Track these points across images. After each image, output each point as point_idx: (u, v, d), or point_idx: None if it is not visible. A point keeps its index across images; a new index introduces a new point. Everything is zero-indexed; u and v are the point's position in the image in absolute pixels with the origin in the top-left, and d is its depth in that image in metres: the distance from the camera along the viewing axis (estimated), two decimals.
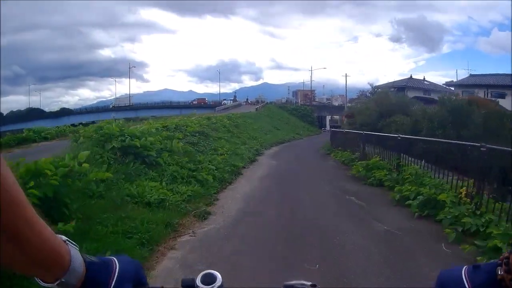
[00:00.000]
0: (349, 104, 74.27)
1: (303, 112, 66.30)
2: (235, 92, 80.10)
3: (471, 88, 41.09)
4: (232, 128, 22.13)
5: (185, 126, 14.62)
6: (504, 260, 0.61)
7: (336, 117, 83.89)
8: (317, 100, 76.67)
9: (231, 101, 74.00)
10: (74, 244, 0.62)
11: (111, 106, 68.25)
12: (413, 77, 53.47)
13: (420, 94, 43.96)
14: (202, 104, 72.27)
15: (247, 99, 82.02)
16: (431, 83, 52.35)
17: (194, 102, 73.77)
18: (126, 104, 68.25)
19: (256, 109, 57.71)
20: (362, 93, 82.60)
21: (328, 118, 72.97)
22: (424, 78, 51.23)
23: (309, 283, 0.73)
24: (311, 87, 72.81)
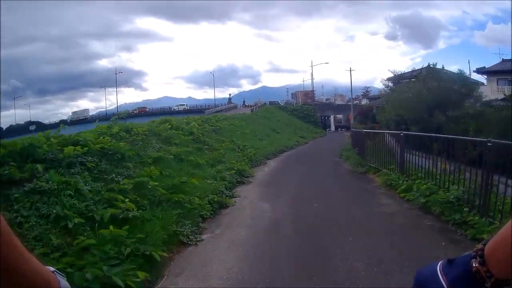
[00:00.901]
0: (356, 102, 66.81)
1: (305, 112, 58.63)
2: (230, 95, 72.02)
3: (507, 75, 33.22)
4: (204, 137, 14.40)
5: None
6: (479, 252, 0.60)
7: (340, 116, 76.67)
8: (317, 100, 68.68)
9: (225, 104, 66.48)
10: (61, 275, 0.59)
11: (68, 121, 68.65)
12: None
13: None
14: (142, 113, 69.36)
15: (244, 102, 74.49)
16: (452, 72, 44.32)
17: (135, 111, 69.01)
18: (86, 117, 70.01)
19: (252, 110, 50.21)
20: (366, 90, 74.94)
21: (332, 117, 65.19)
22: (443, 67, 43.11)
23: None
24: (312, 85, 65.24)
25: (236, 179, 9.71)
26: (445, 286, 0.61)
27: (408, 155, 9.19)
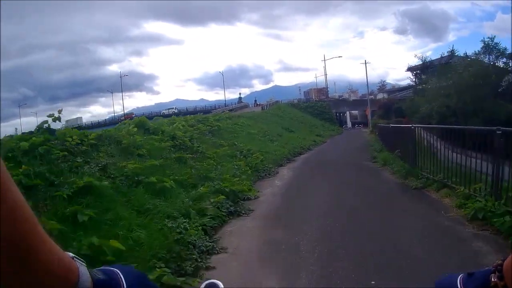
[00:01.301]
0: (371, 96, 62.38)
1: (319, 109, 54.65)
2: (240, 94, 68.31)
3: None
4: (194, 141, 10.88)
5: None
6: (498, 267, 0.61)
7: (355, 112, 72.26)
8: (330, 97, 64.36)
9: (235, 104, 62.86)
10: (81, 261, 0.57)
11: (62, 129, 64.96)
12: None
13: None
14: (129, 119, 65.23)
15: (255, 101, 70.88)
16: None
17: (122, 119, 65.11)
18: (79, 125, 67.01)
19: (262, 108, 46.56)
20: (382, 84, 70.30)
21: (348, 114, 61.00)
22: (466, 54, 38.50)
23: None
24: (326, 80, 60.91)
25: (226, 209, 6.04)
26: None
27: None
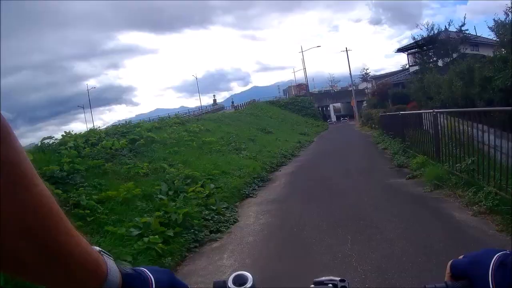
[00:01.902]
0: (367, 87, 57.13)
1: (300, 104, 49.31)
2: (215, 96, 62.35)
3: None
4: (92, 171, 5.16)
5: None
6: None
7: (338, 105, 67.07)
8: (311, 92, 58.81)
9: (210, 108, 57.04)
10: (109, 255, 0.56)
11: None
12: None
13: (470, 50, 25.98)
14: None
15: (232, 102, 65.27)
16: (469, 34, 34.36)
17: None
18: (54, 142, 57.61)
19: (236, 108, 41.03)
20: (366, 72, 65.21)
21: (331, 107, 55.85)
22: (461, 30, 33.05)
23: (338, 278, 0.69)
24: (305, 73, 55.25)
25: None
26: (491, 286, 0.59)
27: None
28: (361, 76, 62.21)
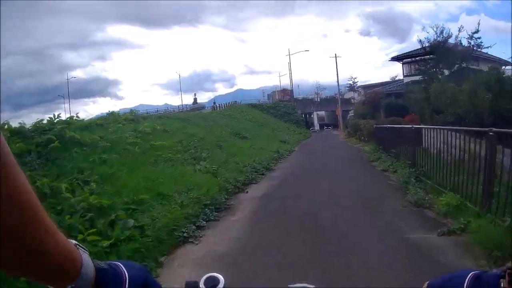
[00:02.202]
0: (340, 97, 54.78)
1: (283, 109, 46.84)
2: (195, 94, 58.90)
3: None
4: None
5: None
6: (508, 271, 0.58)
7: (322, 113, 64.89)
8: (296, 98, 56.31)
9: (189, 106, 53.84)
10: (84, 248, 0.56)
11: None
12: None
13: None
14: None
15: (214, 103, 62.27)
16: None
17: None
18: None
19: (214, 108, 38.27)
20: (353, 81, 63.11)
21: (315, 115, 53.56)
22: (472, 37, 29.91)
23: (312, 286, 0.70)
24: (291, 77, 52.66)
25: None
26: None
27: None
28: (348, 86, 60.20)
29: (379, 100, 22.57)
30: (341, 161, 12.89)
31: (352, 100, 45.57)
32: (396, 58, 26.91)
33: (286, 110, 46.63)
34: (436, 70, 17.05)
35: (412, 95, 15.78)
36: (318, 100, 55.50)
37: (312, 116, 53.69)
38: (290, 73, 51.39)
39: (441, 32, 17.27)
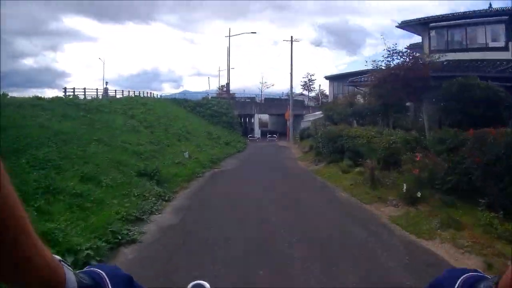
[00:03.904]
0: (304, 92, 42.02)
1: (214, 107, 34.07)
2: (107, 83, 43.17)
3: None
4: None
5: None
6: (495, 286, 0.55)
7: (265, 117, 53.18)
8: (236, 97, 43.69)
9: None
10: (68, 265, 0.55)
11: None
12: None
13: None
14: None
15: (106, 83, 47.35)
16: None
17: None
18: None
19: (105, 93, 25.07)
20: (309, 79, 50.72)
21: (257, 118, 41.45)
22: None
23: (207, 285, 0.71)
24: (228, 67, 39.55)
25: None
26: None
27: None
28: (302, 84, 47.85)
29: (408, 83, 10.08)
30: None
31: (307, 101, 33.97)
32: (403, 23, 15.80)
33: (218, 109, 33.93)
34: None
35: None
36: (262, 100, 43.35)
37: (252, 120, 41.40)
38: (228, 60, 38.50)
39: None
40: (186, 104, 34.89)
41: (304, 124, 28.60)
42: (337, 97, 20.73)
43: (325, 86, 42.72)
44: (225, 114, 33.70)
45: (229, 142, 24.02)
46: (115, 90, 31.12)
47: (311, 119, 29.46)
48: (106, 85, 33.76)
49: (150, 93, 37.38)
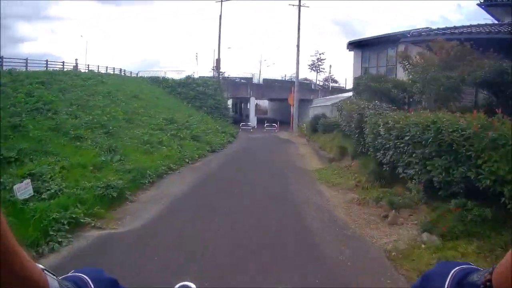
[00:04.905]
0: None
1: (199, 88, 27.08)
2: (77, 60, 36.23)
3: None
4: None
5: None
6: (487, 283, 0.54)
7: (264, 102, 45.98)
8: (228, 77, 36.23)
9: None
10: (52, 274, 0.55)
11: None
12: None
13: None
14: None
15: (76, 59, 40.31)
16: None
17: None
18: None
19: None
20: (319, 58, 41.69)
21: (253, 102, 34.30)
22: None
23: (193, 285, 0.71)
24: (219, 39, 32.07)
25: None
26: None
27: None
28: (310, 64, 40.11)
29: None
30: None
31: (315, 85, 26.99)
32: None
33: (205, 91, 26.90)
34: None
35: None
36: (260, 81, 35.99)
37: (248, 105, 34.21)
38: (220, 30, 31.01)
39: None
40: (165, 84, 27.95)
41: (313, 111, 21.65)
42: (366, 72, 13.75)
43: (341, 64, 35.43)
44: (211, 96, 26.69)
45: (225, 132, 18.30)
46: (88, 65, 24.74)
47: (321, 104, 22.54)
48: (76, 61, 27.08)
49: (129, 72, 30.32)
